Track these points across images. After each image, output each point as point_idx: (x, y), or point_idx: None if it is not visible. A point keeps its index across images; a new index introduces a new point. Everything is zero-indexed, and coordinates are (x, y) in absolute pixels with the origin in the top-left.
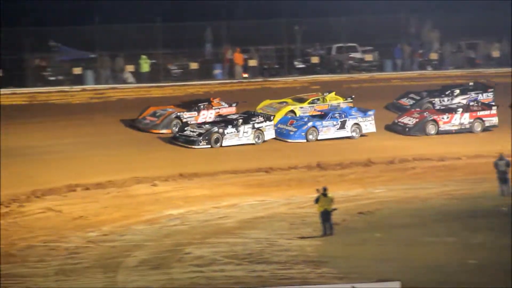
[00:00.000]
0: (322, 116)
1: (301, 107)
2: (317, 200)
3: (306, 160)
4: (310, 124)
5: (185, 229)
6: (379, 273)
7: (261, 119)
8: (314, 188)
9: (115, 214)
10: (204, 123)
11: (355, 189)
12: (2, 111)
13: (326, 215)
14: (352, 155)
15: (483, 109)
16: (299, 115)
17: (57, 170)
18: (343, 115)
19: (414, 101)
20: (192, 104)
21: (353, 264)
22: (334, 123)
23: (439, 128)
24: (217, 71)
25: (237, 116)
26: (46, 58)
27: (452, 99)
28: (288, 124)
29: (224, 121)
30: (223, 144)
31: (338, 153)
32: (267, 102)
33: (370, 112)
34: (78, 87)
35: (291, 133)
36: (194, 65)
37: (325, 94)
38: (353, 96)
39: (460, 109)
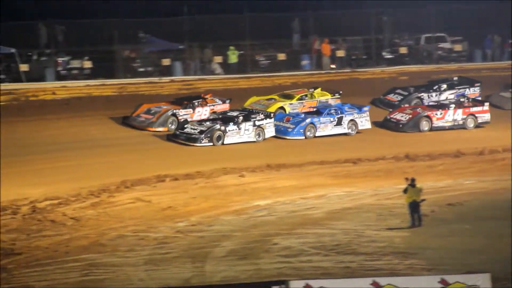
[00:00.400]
0: (318, 112)
1: (291, 104)
2: (405, 191)
3: (394, 151)
4: (308, 120)
5: (272, 220)
6: (468, 265)
7: (262, 116)
8: (402, 179)
9: (203, 204)
10: (204, 120)
11: (444, 180)
12: (92, 102)
13: (414, 206)
14: (441, 146)
15: (475, 105)
16: (295, 112)
17: (147, 160)
18: (339, 112)
19: (402, 97)
20: (184, 100)
21: (441, 256)
22: (331, 119)
23: (433, 125)
24: (305, 62)
25: (238, 113)
26: (135, 50)
27: (440, 94)
28: (284, 121)
29: (224, 118)
30: (224, 142)
31: (427, 144)
32: (254, 98)
33: (365, 108)
34: (166, 78)
35: (289, 130)
36: (281, 56)
37: (310, 90)
38: (341, 92)
39: (453, 105)
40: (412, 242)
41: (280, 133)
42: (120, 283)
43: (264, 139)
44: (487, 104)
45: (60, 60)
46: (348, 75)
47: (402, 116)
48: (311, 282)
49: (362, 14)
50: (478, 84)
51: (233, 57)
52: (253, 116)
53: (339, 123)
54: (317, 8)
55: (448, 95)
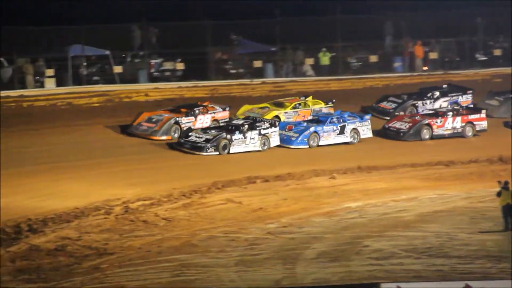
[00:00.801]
0: (319, 121)
1: (286, 112)
2: (499, 194)
3: (487, 154)
4: (312, 129)
5: (363, 222)
6: None
7: (267, 125)
8: (495, 182)
9: (293, 206)
10: (209, 128)
11: None
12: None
13: (508, 209)
14: None
15: (472, 113)
16: (297, 121)
17: (237, 162)
18: (341, 120)
19: (396, 104)
20: (182, 108)
21: None
22: (334, 128)
23: (433, 133)
24: (397, 64)
25: (243, 121)
26: (227, 52)
27: (434, 102)
28: (287, 130)
29: (229, 127)
30: (230, 151)
31: None
32: (247, 107)
33: (367, 117)
34: (258, 80)
35: (293, 138)
36: (373, 58)
37: (302, 98)
38: (334, 101)
39: (451, 113)
40: (505, 246)
41: (284, 142)
42: (211, 284)
43: (269, 148)
44: (484, 111)
45: (153, 62)
46: (441, 77)
47: (401, 125)
48: (402, 285)
49: (455, 16)
50: (470, 92)
51: (324, 59)
52: (258, 124)
53: (341, 132)
54: (411, 9)
55: (441, 103)
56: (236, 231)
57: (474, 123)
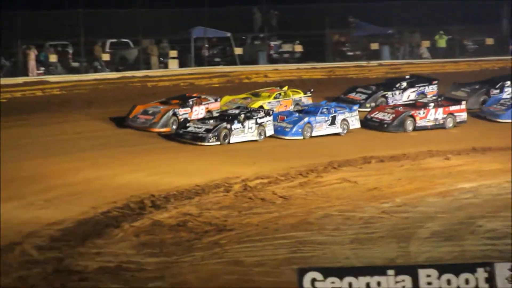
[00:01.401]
0: (311, 112)
1: (269, 102)
2: None
3: None
4: (306, 120)
5: (477, 202)
6: None
7: (262, 114)
8: None
9: (408, 186)
10: (206, 118)
11: None
12: (303, 85)
13: None
14: None
15: (453, 104)
16: (288, 111)
17: (352, 143)
18: (331, 111)
19: (366, 95)
20: (172, 100)
21: None
22: (326, 118)
23: (416, 124)
24: None
25: (239, 111)
26: (345, 34)
27: (402, 93)
28: (279, 120)
29: (226, 117)
30: (230, 141)
31: None
32: (228, 98)
33: (355, 107)
34: (374, 62)
35: (287, 129)
36: (489, 41)
37: (277, 88)
38: (312, 90)
39: (432, 104)
40: None
41: (278, 132)
42: (327, 261)
43: (265, 137)
44: (464, 102)
45: (272, 44)
46: None
47: (384, 116)
48: None
49: None
50: (436, 82)
51: (441, 41)
52: (254, 113)
53: (332, 122)
54: None
55: (409, 93)
56: (351, 210)
57: (455, 114)
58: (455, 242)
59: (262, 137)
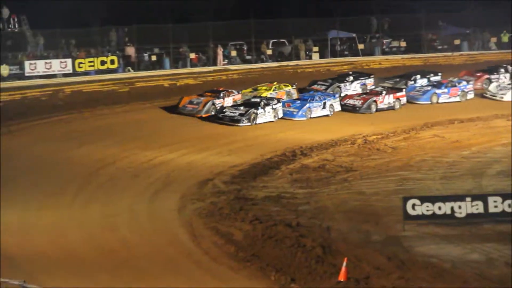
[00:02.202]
0: (306, 99)
1: (270, 94)
2: None
3: None
4: (307, 105)
5: None
6: None
7: (275, 101)
8: None
9: (480, 139)
10: (236, 105)
11: None
12: (406, 69)
13: None
14: None
15: (397, 92)
16: (291, 99)
17: (441, 109)
18: (322, 98)
19: (325, 87)
20: (206, 92)
21: None
22: (320, 104)
23: (378, 107)
24: None
25: (259, 99)
26: (436, 33)
27: (350, 84)
28: (286, 106)
29: (252, 104)
30: (256, 122)
31: None
32: (244, 91)
33: (336, 95)
34: (457, 53)
35: (294, 113)
36: None
37: (267, 82)
38: (296, 84)
39: (384, 92)
40: None
41: (286, 115)
42: (423, 191)
43: (278, 119)
44: (404, 90)
45: (384, 41)
46: None
47: (355, 102)
48: None
49: None
50: (372, 76)
51: (504, 38)
52: (270, 101)
53: (324, 106)
54: None
55: (355, 85)
56: (440, 156)
57: (400, 99)
58: None
59: (276, 118)
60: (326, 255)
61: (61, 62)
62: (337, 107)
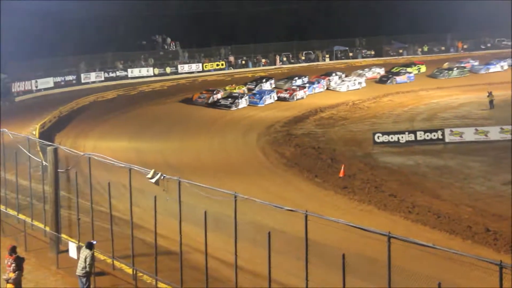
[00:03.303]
0: (262, 93)
1: (237, 91)
2: None
3: None
4: (264, 96)
5: None
6: None
7: (245, 95)
8: None
9: (410, 102)
10: (225, 97)
11: None
12: None
13: None
14: None
15: (302, 89)
16: (252, 93)
17: (351, 94)
18: (267, 93)
19: (253, 85)
20: (204, 91)
21: None
22: (269, 96)
23: (297, 97)
24: None
25: (238, 94)
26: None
27: (264, 84)
28: (251, 98)
29: (235, 96)
30: (238, 107)
31: None
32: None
33: (274, 91)
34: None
35: (257, 101)
36: None
37: (227, 86)
38: (244, 89)
39: (298, 88)
40: None
41: (251, 103)
42: (383, 129)
43: (248, 104)
44: (307, 86)
45: (363, 51)
46: None
47: (285, 94)
48: None
49: None
50: (272, 79)
51: None
52: (244, 95)
53: (270, 98)
54: None
55: (268, 85)
56: (391, 111)
57: (306, 92)
58: None
59: (247, 104)
60: (333, 163)
61: (196, 65)
62: (276, 98)
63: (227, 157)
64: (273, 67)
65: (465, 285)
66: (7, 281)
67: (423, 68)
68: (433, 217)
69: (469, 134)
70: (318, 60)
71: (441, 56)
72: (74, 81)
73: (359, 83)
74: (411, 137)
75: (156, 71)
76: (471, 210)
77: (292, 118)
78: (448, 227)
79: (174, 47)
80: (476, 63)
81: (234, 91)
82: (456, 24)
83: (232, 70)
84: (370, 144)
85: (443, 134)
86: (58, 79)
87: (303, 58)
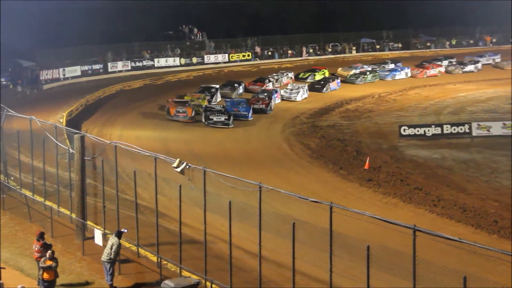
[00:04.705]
0: (238, 102)
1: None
2: None
3: None
4: (250, 108)
5: None
6: None
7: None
8: None
9: (437, 95)
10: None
11: None
12: None
13: None
14: None
15: (275, 92)
16: (237, 105)
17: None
18: (240, 102)
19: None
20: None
21: None
22: (240, 105)
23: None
24: None
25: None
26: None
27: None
28: (235, 111)
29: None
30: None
31: None
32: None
33: (244, 101)
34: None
35: (247, 115)
36: None
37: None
38: (209, 94)
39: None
40: None
41: (238, 116)
42: (409, 122)
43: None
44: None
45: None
46: None
47: (260, 106)
48: None
49: None
50: (242, 83)
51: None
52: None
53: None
54: None
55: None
56: (417, 104)
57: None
58: None
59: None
60: (358, 155)
61: (222, 56)
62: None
63: (252, 148)
64: (299, 58)
65: (491, 280)
66: (43, 268)
67: (327, 73)
68: (458, 211)
69: (497, 128)
70: (344, 52)
71: (469, 49)
72: (101, 70)
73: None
74: (438, 130)
75: (183, 61)
76: (497, 205)
77: (318, 110)
78: (474, 221)
79: (200, 37)
80: (498, 58)
81: (194, 102)
82: (485, 17)
83: (258, 61)
84: (396, 137)
85: (470, 128)
86: (85, 67)
87: (329, 50)
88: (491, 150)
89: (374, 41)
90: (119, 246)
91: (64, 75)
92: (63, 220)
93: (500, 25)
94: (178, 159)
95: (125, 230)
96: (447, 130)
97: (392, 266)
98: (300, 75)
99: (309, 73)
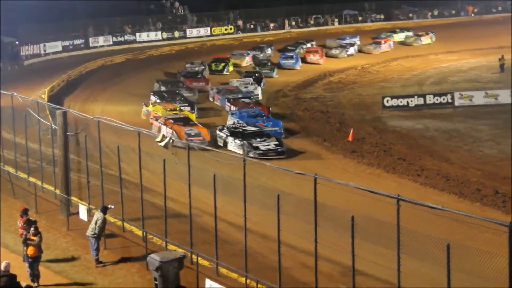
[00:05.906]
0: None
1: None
2: None
3: None
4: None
5: None
6: None
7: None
8: None
9: (419, 66)
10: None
11: None
12: None
13: None
14: None
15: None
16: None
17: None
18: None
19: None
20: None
21: None
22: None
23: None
24: None
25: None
26: None
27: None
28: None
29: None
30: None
31: None
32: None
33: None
34: None
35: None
36: None
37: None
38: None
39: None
40: None
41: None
42: (391, 93)
43: None
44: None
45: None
46: None
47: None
48: None
49: None
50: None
51: None
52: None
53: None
54: None
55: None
56: (400, 75)
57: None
58: None
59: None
60: (341, 127)
61: (204, 29)
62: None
63: None
64: (281, 31)
65: (474, 247)
66: (27, 242)
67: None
68: (441, 180)
69: (479, 98)
70: (327, 24)
71: (451, 20)
72: (82, 45)
73: None
74: (420, 100)
75: (165, 35)
76: (480, 173)
77: (301, 83)
78: (457, 189)
79: (182, 11)
80: None
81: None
82: None
83: (240, 34)
84: (379, 108)
85: (452, 98)
86: (67, 43)
87: (312, 22)
88: (474, 119)
89: (357, 12)
90: (104, 221)
91: (45, 50)
92: (47, 196)
93: None
94: (161, 133)
95: (112, 206)
96: (430, 100)
97: (376, 236)
98: (213, 67)
99: (223, 64)
